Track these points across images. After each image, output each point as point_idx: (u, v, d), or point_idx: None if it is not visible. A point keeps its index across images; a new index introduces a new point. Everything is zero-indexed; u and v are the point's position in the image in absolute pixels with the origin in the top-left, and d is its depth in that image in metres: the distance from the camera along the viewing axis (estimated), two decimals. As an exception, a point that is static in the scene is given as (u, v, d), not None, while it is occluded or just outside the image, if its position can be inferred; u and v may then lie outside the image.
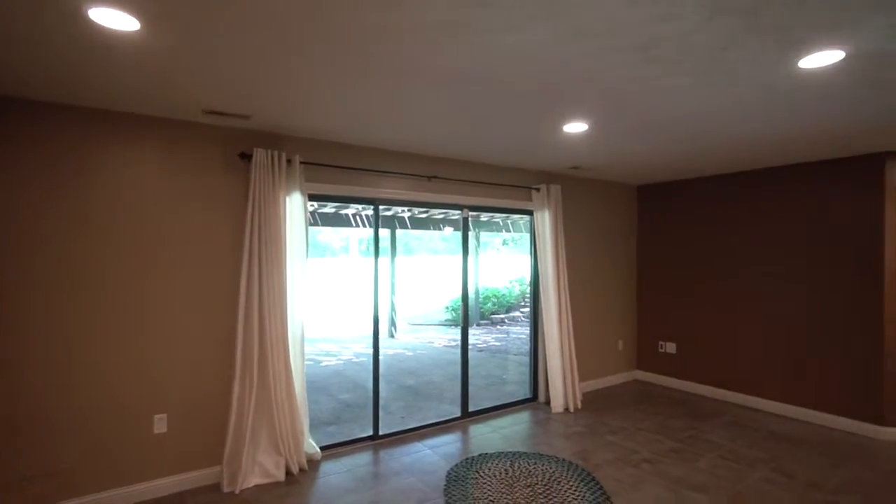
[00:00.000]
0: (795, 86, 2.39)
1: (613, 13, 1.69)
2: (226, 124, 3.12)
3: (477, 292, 10.33)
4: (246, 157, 3.15)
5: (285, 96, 2.58)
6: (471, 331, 9.94)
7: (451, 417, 4.35)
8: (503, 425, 4.25)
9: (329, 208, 7.61)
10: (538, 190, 4.63)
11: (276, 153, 3.19)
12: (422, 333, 9.67)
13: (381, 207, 3.90)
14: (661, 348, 5.52)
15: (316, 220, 8.60)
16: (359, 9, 1.66)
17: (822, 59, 2.05)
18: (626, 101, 2.66)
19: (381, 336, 4.15)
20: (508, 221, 9.22)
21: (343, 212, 8.04)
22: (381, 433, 3.89)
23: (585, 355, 5.19)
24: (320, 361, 7.18)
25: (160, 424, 2.96)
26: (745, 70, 2.19)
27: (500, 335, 9.46)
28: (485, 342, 8.56)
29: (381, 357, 4.15)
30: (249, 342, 3.12)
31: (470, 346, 4.55)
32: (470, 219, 4.49)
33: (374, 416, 3.88)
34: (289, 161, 3.28)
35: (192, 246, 3.07)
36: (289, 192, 3.30)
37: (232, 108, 2.79)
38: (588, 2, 1.61)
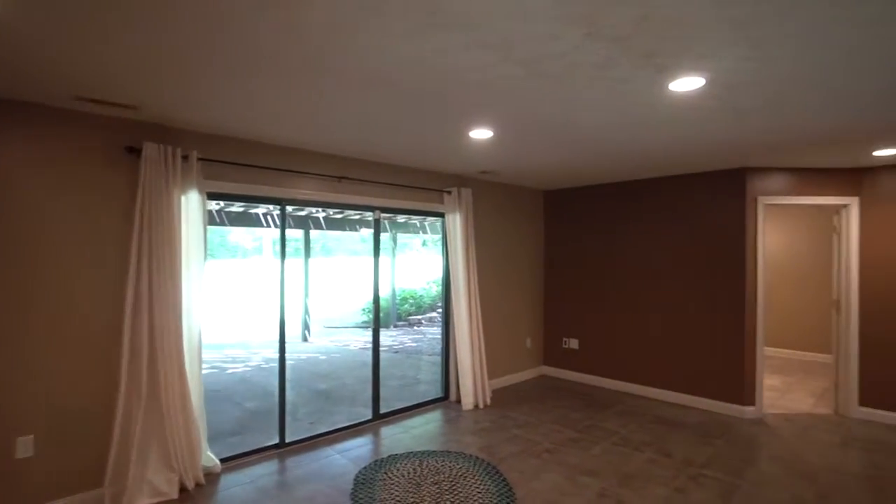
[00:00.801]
0: (669, 106, 2.67)
1: (504, 28, 1.79)
2: (109, 114, 2.87)
3: (394, 294, 10.31)
4: (134, 151, 2.92)
5: (178, 88, 2.43)
6: (387, 332, 9.92)
7: (362, 420, 4.32)
8: (414, 425, 4.30)
9: (237, 207, 7.23)
10: (450, 193, 4.73)
11: (169, 148, 2.99)
12: (337, 336, 9.47)
13: (294, 207, 3.78)
14: (566, 344, 5.87)
15: (223, 219, 8.12)
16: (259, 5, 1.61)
17: (687, 84, 2.31)
18: (523, 112, 2.81)
19: (294, 340, 4.01)
20: (426, 223, 9.32)
21: (253, 211, 7.67)
22: (287, 441, 3.77)
23: (496, 353, 5.39)
24: (226, 368, 6.79)
25: (24, 448, 2.64)
26: (624, 89, 2.41)
27: (416, 336, 9.52)
28: (401, 343, 8.58)
29: (292, 362, 4.03)
30: (138, 350, 2.89)
31: (385, 348, 4.55)
32: (386, 220, 4.48)
33: (280, 423, 3.75)
34: (185, 157, 3.08)
35: (69, 245, 2.78)
36: (185, 190, 3.10)
37: (113, 97, 2.57)
38: (480, 16, 1.69)
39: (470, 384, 4.70)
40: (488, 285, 5.33)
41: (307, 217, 8.79)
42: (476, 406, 4.74)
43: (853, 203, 4.42)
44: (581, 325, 5.73)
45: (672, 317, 4.94)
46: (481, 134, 3.30)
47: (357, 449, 3.78)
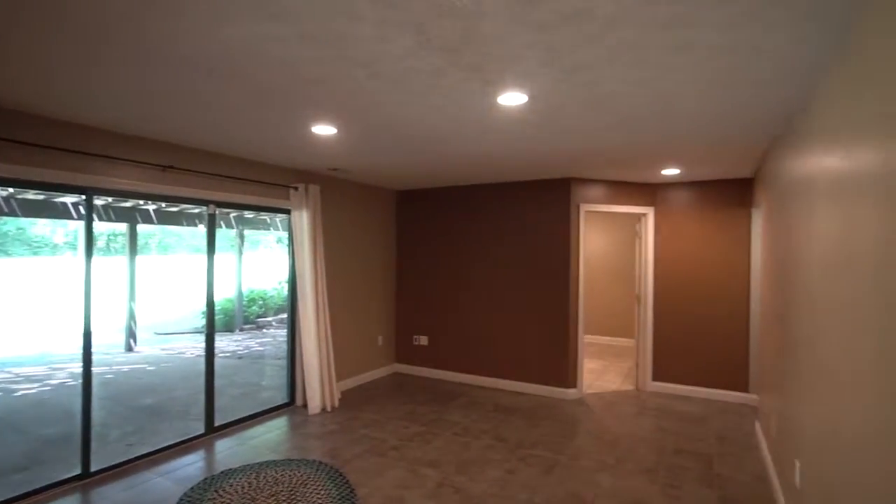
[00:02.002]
0: (499, 118, 2.89)
1: (334, 25, 1.75)
2: None
3: (240, 295, 9.54)
4: None
5: (-79, 43, 1.92)
6: (232, 337, 9.14)
7: (193, 435, 3.91)
8: (254, 435, 4.02)
9: (34, 195, 6.02)
10: (296, 189, 4.53)
11: (-86, 117, 2.35)
12: (172, 344, 8.45)
13: (117, 198, 3.25)
14: (416, 341, 6.03)
15: (13, 208, 6.69)
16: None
17: (513, 99, 2.53)
18: (365, 112, 2.81)
19: (115, 350, 3.45)
20: (277, 219, 8.79)
21: (59, 200, 6.45)
22: (93, 469, 3.24)
23: (346, 353, 5.31)
24: (14, 391, 5.61)
25: None
26: (458, 98, 2.54)
27: (265, 339, 8.94)
28: (246, 348, 7.97)
29: (110, 376, 3.48)
30: None
31: (228, 354, 4.19)
32: (233, 216, 4.11)
33: (83, 450, 3.21)
34: (-60, 130, 2.46)
35: None
36: (-60, 171, 2.48)
37: None
38: (305, 8, 1.64)
39: (317, 387, 4.56)
40: (339, 284, 5.23)
41: (133, 209, 7.69)
42: (324, 409, 4.61)
43: (650, 212, 5.29)
44: (431, 322, 5.93)
45: (510, 312, 5.38)
46: (324, 130, 3.21)
47: (184, 468, 3.41)
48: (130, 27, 1.78)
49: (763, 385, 3.92)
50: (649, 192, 5.31)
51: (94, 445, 3.28)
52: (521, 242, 5.32)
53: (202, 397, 4.03)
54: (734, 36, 1.79)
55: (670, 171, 4.60)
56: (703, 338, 5.07)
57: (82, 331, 3.25)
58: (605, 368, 6.38)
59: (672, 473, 3.35)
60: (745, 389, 4.89)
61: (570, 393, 5.04)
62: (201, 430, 3.97)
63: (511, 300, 5.38)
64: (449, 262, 5.81)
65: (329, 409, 4.62)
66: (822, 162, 2.03)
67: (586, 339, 8.18)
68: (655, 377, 5.31)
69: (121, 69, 2.19)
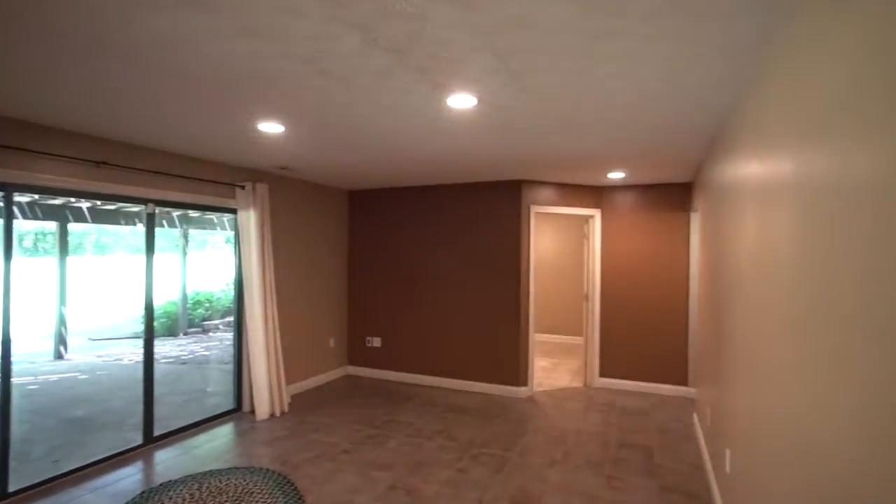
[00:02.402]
0: (450, 120, 2.91)
1: (280, 21, 1.71)
2: None
3: (184, 297, 9.11)
4: None
5: None
6: (176, 341, 8.72)
7: (130, 447, 3.70)
8: (198, 444, 3.86)
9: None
10: (243, 188, 4.38)
11: None
12: (108, 350, 7.96)
13: (43, 195, 3.02)
14: (369, 343, 5.97)
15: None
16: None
17: (462, 101, 2.55)
18: (313, 110, 2.75)
19: (43, 358, 3.22)
20: (224, 219, 8.46)
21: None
22: (11, 490, 3.00)
23: (296, 356, 5.18)
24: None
25: None
26: (407, 99, 2.54)
27: (211, 343, 8.59)
28: (191, 353, 7.63)
29: (35, 387, 3.24)
30: None
31: (171, 359, 4.00)
32: (176, 215, 3.91)
33: None
34: None
35: None
36: None
37: None
38: (249, 3, 1.59)
39: (265, 392, 4.42)
40: (288, 286, 5.10)
41: (64, 207, 7.19)
42: (272, 415, 4.48)
43: (597, 214, 5.47)
44: (384, 323, 5.89)
45: (463, 313, 5.42)
46: (271, 128, 3.12)
47: (119, 483, 3.23)
48: (34, 3, 1.67)
49: (699, 379, 4.14)
50: (596, 194, 5.49)
51: (13, 463, 3.05)
52: (474, 243, 5.38)
53: (141, 406, 3.82)
54: (665, 48, 1.89)
55: (616, 175, 4.78)
56: (646, 335, 5.29)
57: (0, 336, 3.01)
58: (555, 366, 6.55)
59: (616, 466, 3.48)
60: (684, 383, 5.14)
61: (522, 391, 5.14)
62: (139, 441, 3.77)
63: (464, 301, 5.42)
64: (402, 262, 5.79)
65: (278, 413, 4.49)
66: (747, 168, 2.17)
67: (538, 338, 8.37)
68: (602, 374, 5.49)
69: (28, 53, 2.04)
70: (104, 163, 3.40)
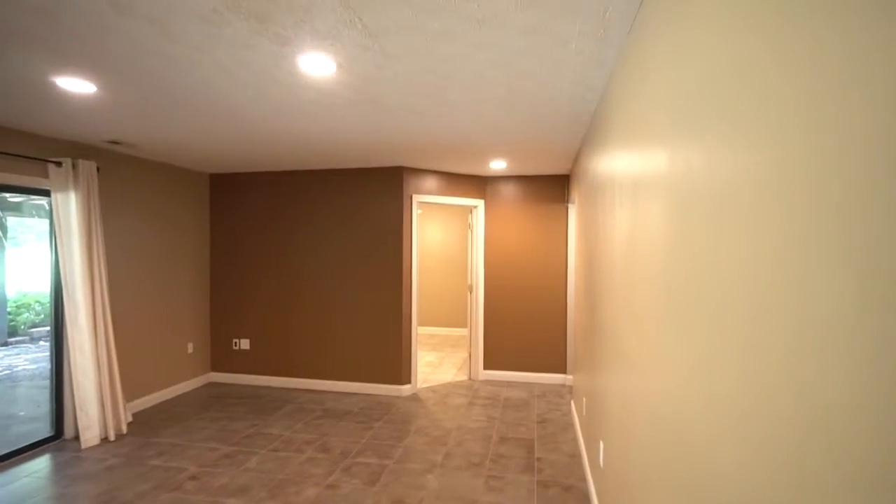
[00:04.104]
0: (309, 89, 2.52)
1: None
2: None
3: (3, 299, 7.50)
4: None
5: None
6: (-11, 354, 7.12)
7: None
8: (-9, 488, 3.04)
9: None
10: (59, 165, 3.55)
11: None
12: None
13: None
14: (236, 346, 5.32)
15: None
16: None
17: (318, 65, 2.18)
18: (124, 63, 2.20)
19: None
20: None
21: None
22: None
23: (141, 367, 4.41)
24: None
25: None
26: (250, 57, 2.11)
27: (40, 354, 7.17)
28: (9, 367, 6.26)
29: None
30: None
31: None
32: None
33: None
34: None
35: None
36: None
37: None
38: None
39: (95, 413, 3.66)
40: (130, 284, 4.30)
41: None
42: (105, 439, 3.73)
43: (480, 205, 5.39)
44: (253, 323, 5.28)
45: (341, 309, 5.03)
46: (77, 86, 2.47)
47: None
48: None
49: (576, 367, 4.22)
50: (480, 184, 5.40)
51: None
52: (353, 234, 5.00)
53: None
54: (535, 37, 1.70)
55: (498, 165, 4.70)
56: (527, 325, 5.34)
57: None
58: (441, 360, 6.42)
59: (497, 464, 3.37)
60: (563, 371, 5.28)
61: (405, 389, 4.90)
62: None
63: (342, 295, 5.03)
64: (273, 256, 5.22)
65: (113, 437, 3.75)
66: (619, 160, 2.10)
67: (425, 332, 8.22)
68: (487, 366, 5.46)
69: None
70: None
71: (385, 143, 3.77)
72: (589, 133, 3.21)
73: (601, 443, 2.51)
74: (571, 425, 4.08)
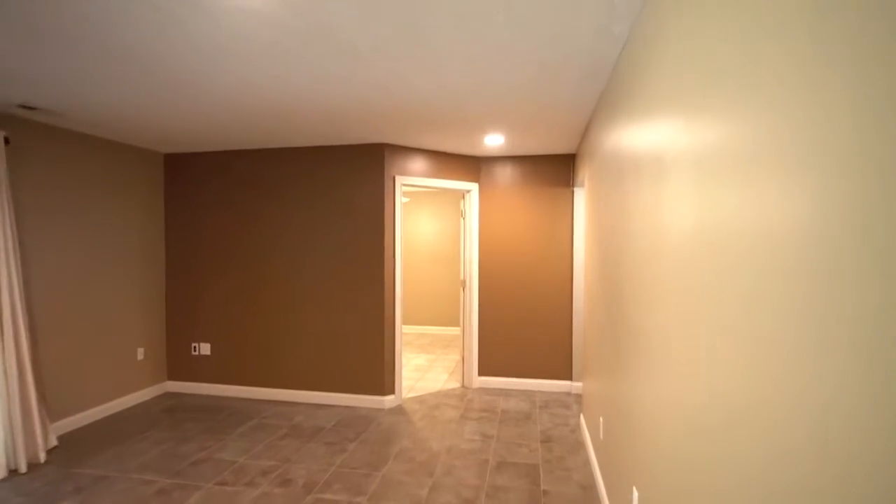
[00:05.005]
0: (243, 21, 1.85)
1: None
2: None
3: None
4: None
5: None
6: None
7: None
8: None
9: None
10: (-50, 132, 2.86)
11: None
12: None
13: None
14: (195, 350, 4.65)
15: None
16: None
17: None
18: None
19: None
20: None
21: None
22: None
23: (75, 378, 3.74)
24: None
25: None
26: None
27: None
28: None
29: None
30: None
31: None
32: None
33: None
34: None
35: None
36: None
37: None
38: None
39: (0, 437, 2.99)
40: (61, 281, 3.62)
41: None
42: (14, 471, 3.06)
43: (475, 189, 4.74)
44: (214, 324, 4.61)
45: (315, 308, 4.37)
46: (-87, 5, 1.79)
47: None
48: None
49: (587, 373, 3.59)
50: (474, 166, 4.75)
51: None
52: (328, 222, 4.33)
53: None
54: None
55: (494, 140, 4.05)
56: (527, 325, 4.70)
57: None
58: (431, 364, 5.78)
59: (494, 500, 2.73)
60: (568, 377, 4.65)
61: (387, 401, 4.25)
62: None
63: (316, 293, 4.36)
64: (238, 247, 4.54)
65: (24, 468, 3.06)
66: (649, 131, 1.46)
67: (415, 331, 7.58)
68: (482, 371, 4.82)
69: None
70: None
71: (357, 105, 3.10)
72: (609, 95, 2.56)
73: (635, 490, 1.87)
74: (582, 445, 3.45)
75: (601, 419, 2.75)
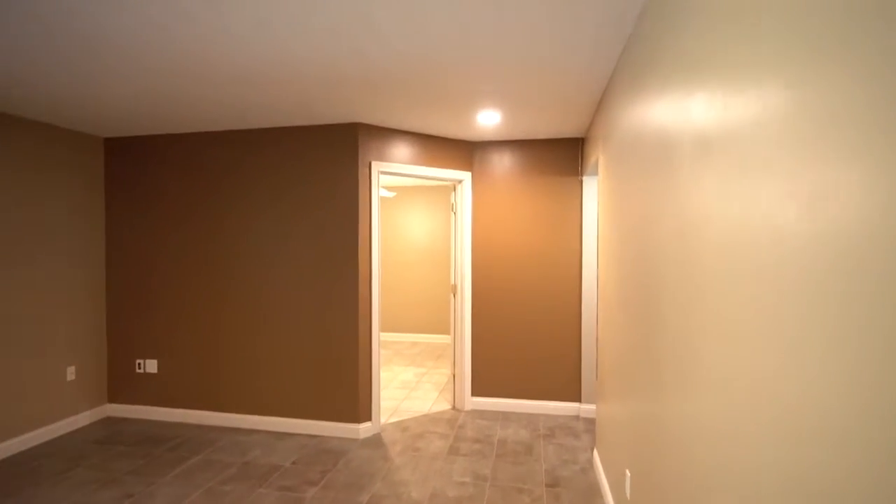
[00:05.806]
0: None
1: None
2: None
3: None
4: None
5: None
6: None
7: None
8: None
9: None
10: None
11: None
12: None
13: None
14: (140, 368, 3.98)
15: None
16: None
17: None
18: None
19: None
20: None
21: None
22: None
23: (-23, 407, 3.07)
24: None
25: None
26: None
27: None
28: None
29: None
30: None
31: None
32: None
33: None
34: None
35: None
36: None
37: None
38: None
39: None
40: (-46, 289, 2.95)
41: None
42: None
43: (467, 178, 4.07)
44: (162, 337, 3.94)
45: (279, 319, 3.70)
46: None
47: None
48: None
49: (602, 395, 2.93)
50: (466, 151, 4.09)
51: None
52: (292, 219, 3.67)
53: None
54: None
55: (489, 119, 3.39)
56: (528, 337, 4.04)
57: None
58: (420, 379, 5.11)
59: (486, 580, 2.07)
60: (577, 399, 3.99)
61: (363, 429, 3.58)
62: None
63: (280, 303, 3.70)
64: (190, 248, 3.88)
65: None
66: (688, 106, 0.80)
67: (405, 339, 6.93)
68: (476, 391, 4.15)
69: None
70: None
71: (322, 61, 2.43)
72: (632, 54, 1.89)
73: None
74: (596, 490, 2.79)
75: (628, 473, 2.08)
